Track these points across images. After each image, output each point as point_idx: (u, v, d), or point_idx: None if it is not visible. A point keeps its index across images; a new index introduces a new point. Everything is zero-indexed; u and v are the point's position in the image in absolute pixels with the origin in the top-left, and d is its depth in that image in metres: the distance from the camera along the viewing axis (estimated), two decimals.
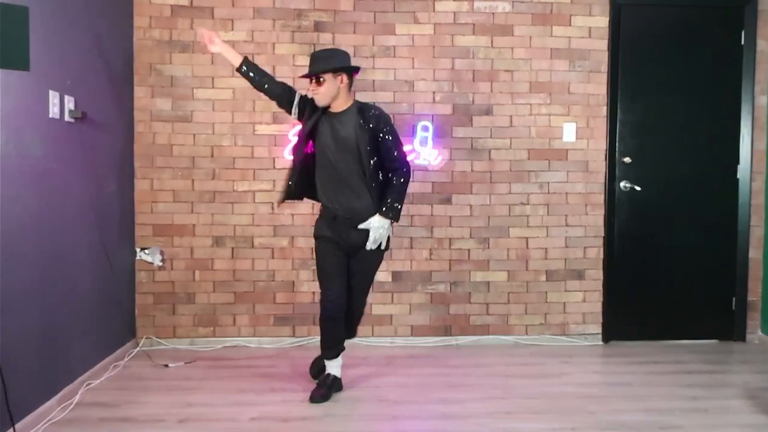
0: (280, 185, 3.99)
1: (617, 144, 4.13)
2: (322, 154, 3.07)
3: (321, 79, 2.99)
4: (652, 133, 4.14)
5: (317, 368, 3.33)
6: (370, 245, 3.07)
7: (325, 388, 3.13)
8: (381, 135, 3.03)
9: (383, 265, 4.05)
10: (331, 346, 3.17)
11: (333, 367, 3.20)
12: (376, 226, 3.05)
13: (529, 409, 3.01)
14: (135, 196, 3.95)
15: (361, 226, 3.06)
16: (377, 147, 3.03)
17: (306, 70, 3.07)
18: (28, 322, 2.73)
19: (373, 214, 3.05)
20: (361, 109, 3.07)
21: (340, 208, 3.07)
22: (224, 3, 3.94)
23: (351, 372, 3.50)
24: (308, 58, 3.59)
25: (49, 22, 2.88)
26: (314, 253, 3.20)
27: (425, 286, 4.10)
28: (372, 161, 3.01)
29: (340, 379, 3.22)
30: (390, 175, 3.08)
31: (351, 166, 3.03)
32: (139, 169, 3.95)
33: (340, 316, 3.13)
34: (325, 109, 3.06)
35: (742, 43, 4.14)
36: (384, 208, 3.05)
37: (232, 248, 4.02)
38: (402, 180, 3.08)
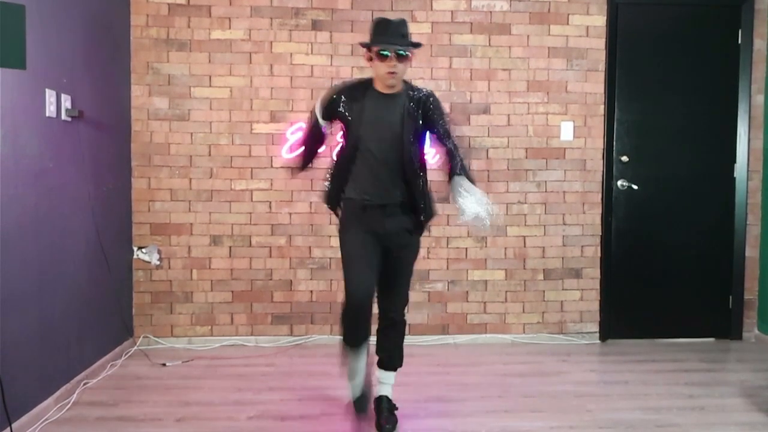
0: (277, 184, 4.00)
1: (615, 143, 4.14)
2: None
3: (406, 54, 2.51)
4: (650, 131, 4.15)
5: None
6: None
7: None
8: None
9: None
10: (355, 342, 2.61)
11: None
12: None
13: (528, 408, 3.01)
14: (132, 194, 3.94)
15: None
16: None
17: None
18: (26, 321, 2.72)
19: None
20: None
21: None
22: (222, 1, 3.92)
23: None
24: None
25: (45, 21, 2.87)
26: None
27: (423, 285, 4.10)
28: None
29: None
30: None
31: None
32: (137, 167, 3.94)
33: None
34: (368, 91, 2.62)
35: (739, 42, 4.15)
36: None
37: (230, 247, 4.01)
38: None
